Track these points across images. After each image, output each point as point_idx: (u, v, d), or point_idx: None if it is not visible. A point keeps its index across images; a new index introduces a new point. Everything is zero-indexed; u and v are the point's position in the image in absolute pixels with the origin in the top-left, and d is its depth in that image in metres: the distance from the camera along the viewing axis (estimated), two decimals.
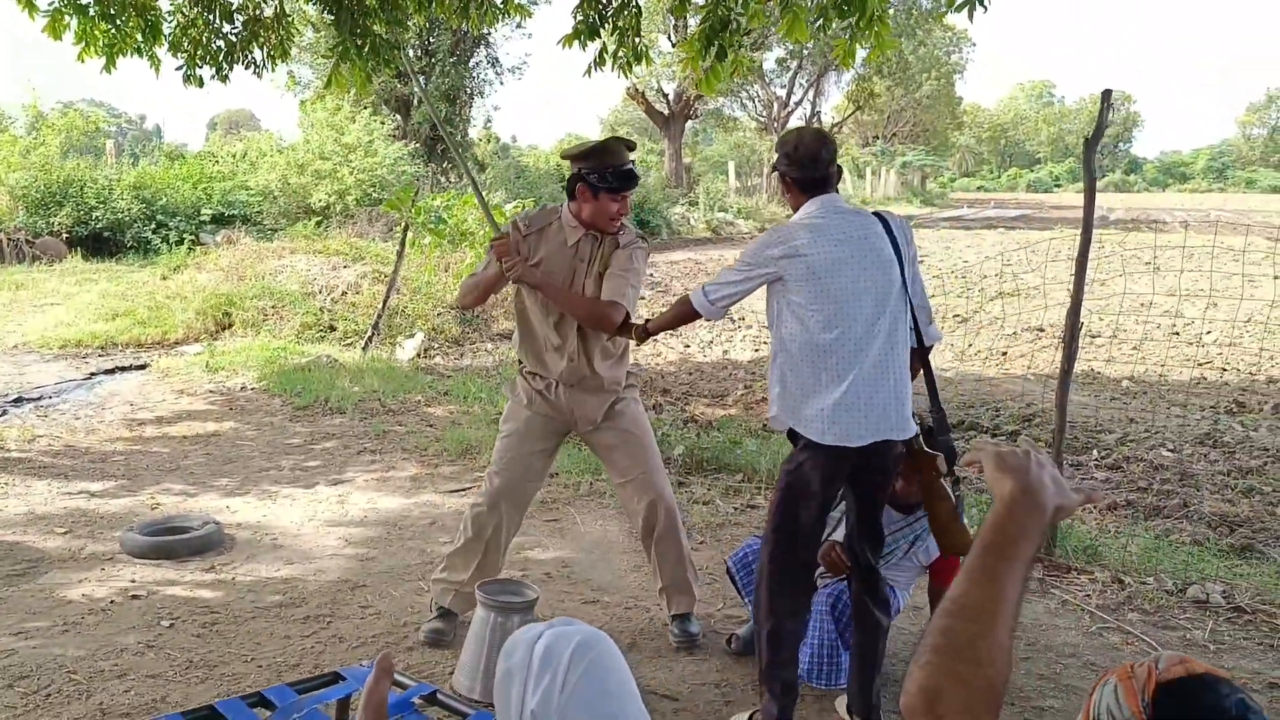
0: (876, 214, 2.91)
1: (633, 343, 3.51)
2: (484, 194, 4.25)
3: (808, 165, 2.90)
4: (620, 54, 6.21)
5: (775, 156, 3.02)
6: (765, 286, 2.93)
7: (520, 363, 3.66)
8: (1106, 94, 4.48)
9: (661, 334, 3.51)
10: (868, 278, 2.79)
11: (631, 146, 3.46)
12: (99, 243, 17.64)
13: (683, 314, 3.13)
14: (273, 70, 7.29)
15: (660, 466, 3.63)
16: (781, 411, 2.91)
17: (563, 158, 3.62)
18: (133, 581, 4.09)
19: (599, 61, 6.18)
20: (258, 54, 7.04)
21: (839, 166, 2.96)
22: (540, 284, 3.44)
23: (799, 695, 3.02)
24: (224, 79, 6.99)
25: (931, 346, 3.00)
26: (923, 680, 1.00)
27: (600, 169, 3.34)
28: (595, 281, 3.43)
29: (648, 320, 3.34)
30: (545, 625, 1.50)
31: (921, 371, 3.03)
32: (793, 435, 2.93)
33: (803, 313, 2.82)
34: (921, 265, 3.09)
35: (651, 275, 16.59)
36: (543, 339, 3.53)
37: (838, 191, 2.96)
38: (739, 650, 3.54)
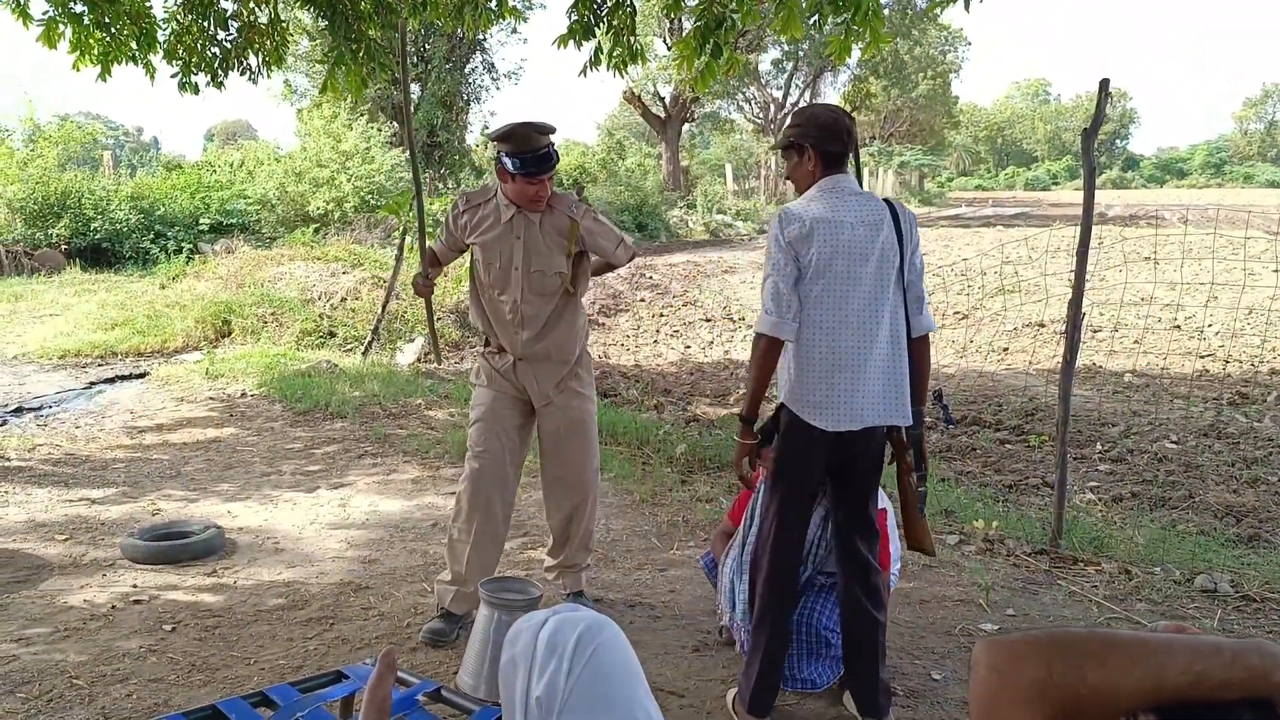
0: (886, 201, 2.84)
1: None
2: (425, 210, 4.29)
3: (833, 137, 2.81)
4: (615, 53, 6.21)
5: (792, 128, 2.89)
6: None
7: (485, 343, 3.73)
8: (1104, 83, 4.45)
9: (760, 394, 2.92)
10: (873, 266, 2.73)
11: (547, 130, 3.43)
12: (97, 254, 17.64)
13: (763, 352, 2.80)
14: (268, 77, 7.30)
15: (596, 463, 3.79)
16: (788, 395, 2.85)
17: (488, 138, 3.73)
18: (134, 587, 4.07)
19: (594, 61, 6.18)
20: (253, 60, 7.04)
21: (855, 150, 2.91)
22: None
23: (781, 685, 3.01)
24: (219, 86, 7.00)
25: (925, 336, 2.88)
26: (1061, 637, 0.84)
27: (514, 154, 3.38)
28: (548, 256, 3.52)
29: (744, 409, 2.97)
30: (550, 611, 1.48)
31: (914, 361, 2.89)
32: (776, 420, 2.91)
33: (808, 296, 2.75)
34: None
35: (650, 277, 16.58)
36: (494, 314, 3.62)
37: (846, 173, 2.89)
38: (731, 641, 3.52)
